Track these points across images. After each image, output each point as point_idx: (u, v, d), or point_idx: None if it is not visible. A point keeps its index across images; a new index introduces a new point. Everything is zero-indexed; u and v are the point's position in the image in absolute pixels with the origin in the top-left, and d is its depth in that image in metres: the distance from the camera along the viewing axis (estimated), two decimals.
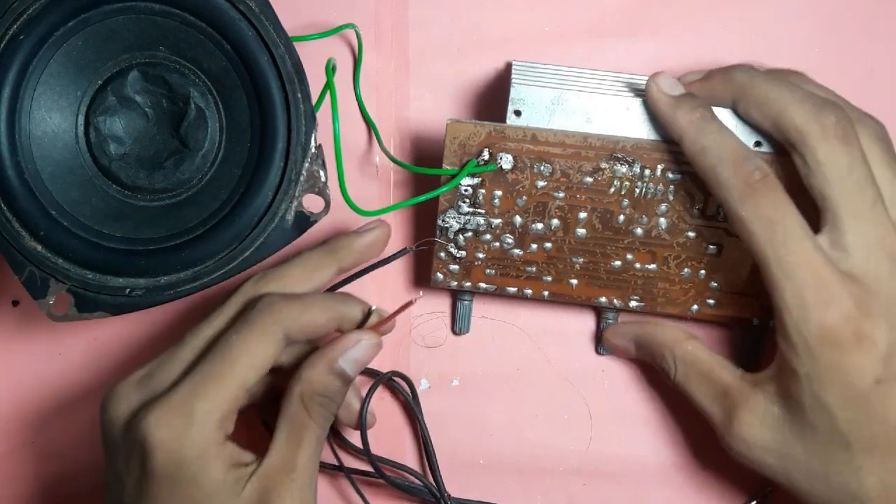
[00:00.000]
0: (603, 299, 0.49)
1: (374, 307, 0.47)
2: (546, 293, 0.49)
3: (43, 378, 0.54)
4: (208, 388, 0.41)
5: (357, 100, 0.52)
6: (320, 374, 0.44)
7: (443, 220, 0.48)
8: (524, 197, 0.47)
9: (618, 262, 0.48)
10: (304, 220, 0.46)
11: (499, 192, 0.47)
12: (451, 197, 0.47)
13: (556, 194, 0.47)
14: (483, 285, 0.50)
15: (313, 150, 0.46)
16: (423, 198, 0.47)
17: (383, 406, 0.53)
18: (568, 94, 0.47)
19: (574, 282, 0.49)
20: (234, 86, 0.46)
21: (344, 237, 0.47)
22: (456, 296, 0.52)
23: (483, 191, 0.47)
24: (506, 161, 0.46)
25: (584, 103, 0.47)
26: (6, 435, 0.54)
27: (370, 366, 0.47)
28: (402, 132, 0.53)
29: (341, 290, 0.49)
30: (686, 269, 0.48)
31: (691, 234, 0.48)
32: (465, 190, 0.47)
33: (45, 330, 0.54)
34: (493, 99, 0.53)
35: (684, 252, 0.48)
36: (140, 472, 0.41)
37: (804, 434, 0.43)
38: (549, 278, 0.49)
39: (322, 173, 0.46)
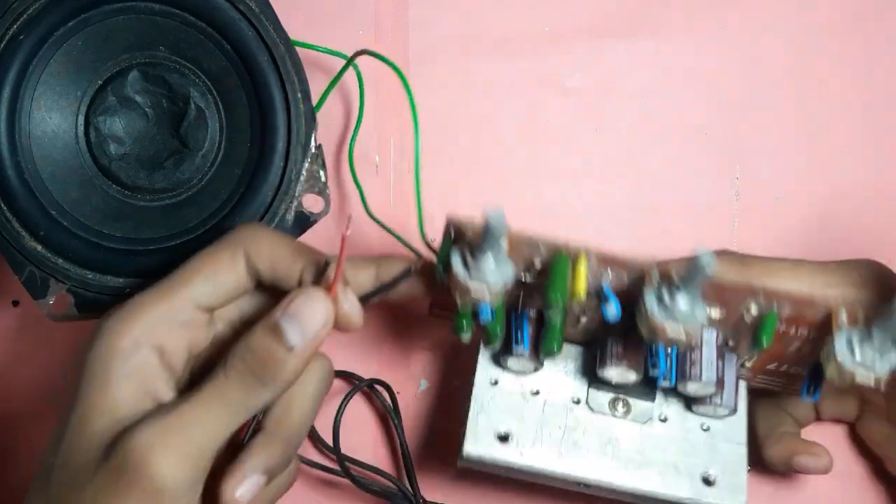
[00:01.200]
0: None
1: (329, 259, 0.40)
2: None
3: (43, 378, 0.54)
4: (153, 286, 0.39)
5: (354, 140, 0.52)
6: (257, 327, 0.38)
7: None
8: None
9: None
10: (304, 220, 0.46)
11: None
12: None
13: None
14: None
15: (313, 149, 0.46)
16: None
17: (362, 411, 0.53)
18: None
19: None
20: (234, 86, 0.46)
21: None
22: None
23: None
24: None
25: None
26: (5, 435, 0.54)
27: (352, 370, 0.47)
28: (403, 132, 0.53)
29: None
30: None
31: None
32: None
33: (45, 330, 0.54)
34: (492, 99, 0.53)
35: None
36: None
37: None
38: None
39: (322, 173, 0.46)
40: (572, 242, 0.41)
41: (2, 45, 0.44)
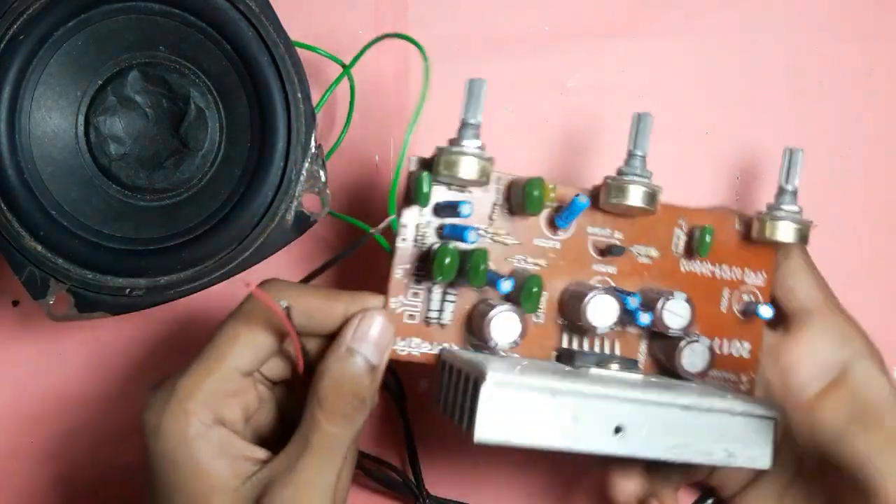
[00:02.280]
0: None
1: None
2: None
3: (43, 378, 0.54)
4: (192, 366, 0.41)
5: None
6: (332, 361, 0.40)
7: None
8: None
9: None
10: (304, 220, 0.46)
11: None
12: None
13: None
14: None
15: (313, 150, 0.46)
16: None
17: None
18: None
19: None
20: (234, 86, 0.46)
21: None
22: None
23: None
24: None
25: None
26: (6, 435, 0.54)
27: None
28: (402, 132, 0.53)
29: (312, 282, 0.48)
30: None
31: None
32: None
33: (45, 330, 0.54)
34: (492, 99, 0.53)
35: None
36: (144, 456, 0.41)
37: None
38: None
39: (322, 173, 0.46)
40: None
41: (2, 45, 0.44)
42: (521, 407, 0.39)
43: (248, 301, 0.42)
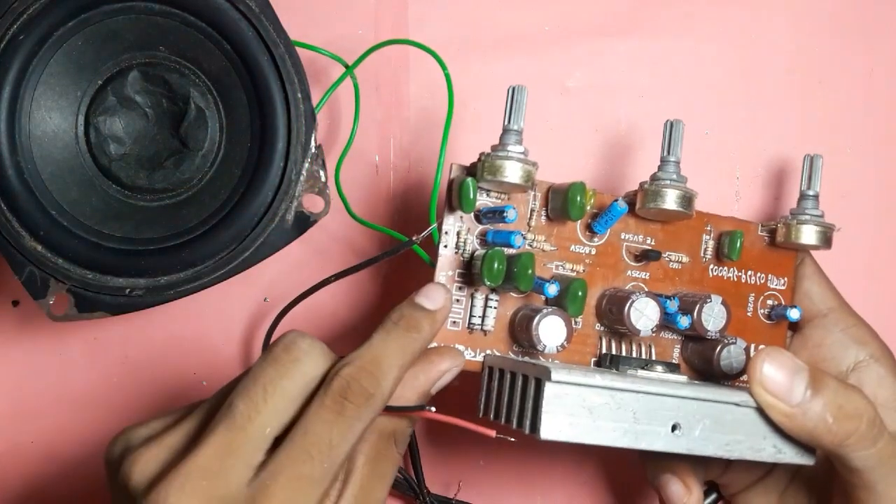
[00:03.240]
0: None
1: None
2: None
3: (43, 378, 0.54)
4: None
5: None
6: (402, 305, 0.42)
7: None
8: None
9: None
10: (304, 220, 0.46)
11: None
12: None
13: None
14: None
15: (313, 150, 0.46)
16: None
17: None
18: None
19: None
20: (234, 86, 0.46)
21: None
22: None
23: None
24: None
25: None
26: (6, 435, 0.54)
27: None
28: (402, 132, 0.53)
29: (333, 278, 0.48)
30: None
31: None
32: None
33: (45, 330, 0.54)
34: (492, 99, 0.53)
35: None
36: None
37: None
38: None
39: (322, 173, 0.46)
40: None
41: (2, 45, 0.44)
42: (584, 405, 0.39)
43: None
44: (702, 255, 0.47)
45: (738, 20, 0.53)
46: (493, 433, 0.40)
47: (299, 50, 0.46)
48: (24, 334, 0.54)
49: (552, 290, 0.42)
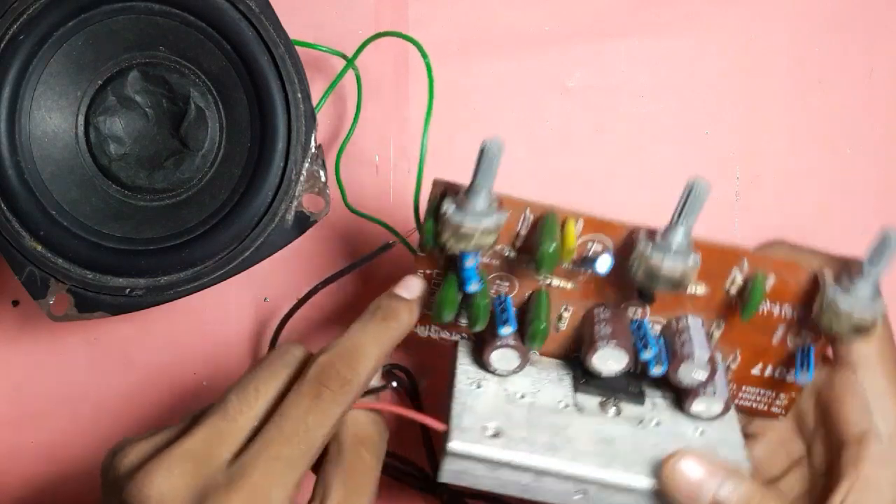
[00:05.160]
0: None
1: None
2: None
3: (43, 378, 0.54)
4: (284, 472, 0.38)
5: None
6: (381, 297, 0.43)
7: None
8: None
9: None
10: (304, 220, 0.46)
11: None
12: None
13: None
14: None
15: (313, 150, 0.46)
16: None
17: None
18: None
19: None
20: (234, 86, 0.46)
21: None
22: None
23: None
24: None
25: None
26: (6, 435, 0.54)
27: None
28: (402, 132, 0.53)
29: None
30: None
31: None
32: None
33: (45, 330, 0.54)
34: (492, 99, 0.53)
35: None
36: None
37: None
38: None
39: (322, 173, 0.46)
40: (558, 206, 0.42)
41: (2, 45, 0.44)
42: (482, 469, 0.41)
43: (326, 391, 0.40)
44: (725, 288, 0.43)
45: (738, 20, 0.53)
46: (444, 427, 0.41)
47: (299, 49, 0.46)
48: (24, 334, 0.54)
49: (506, 331, 0.42)
